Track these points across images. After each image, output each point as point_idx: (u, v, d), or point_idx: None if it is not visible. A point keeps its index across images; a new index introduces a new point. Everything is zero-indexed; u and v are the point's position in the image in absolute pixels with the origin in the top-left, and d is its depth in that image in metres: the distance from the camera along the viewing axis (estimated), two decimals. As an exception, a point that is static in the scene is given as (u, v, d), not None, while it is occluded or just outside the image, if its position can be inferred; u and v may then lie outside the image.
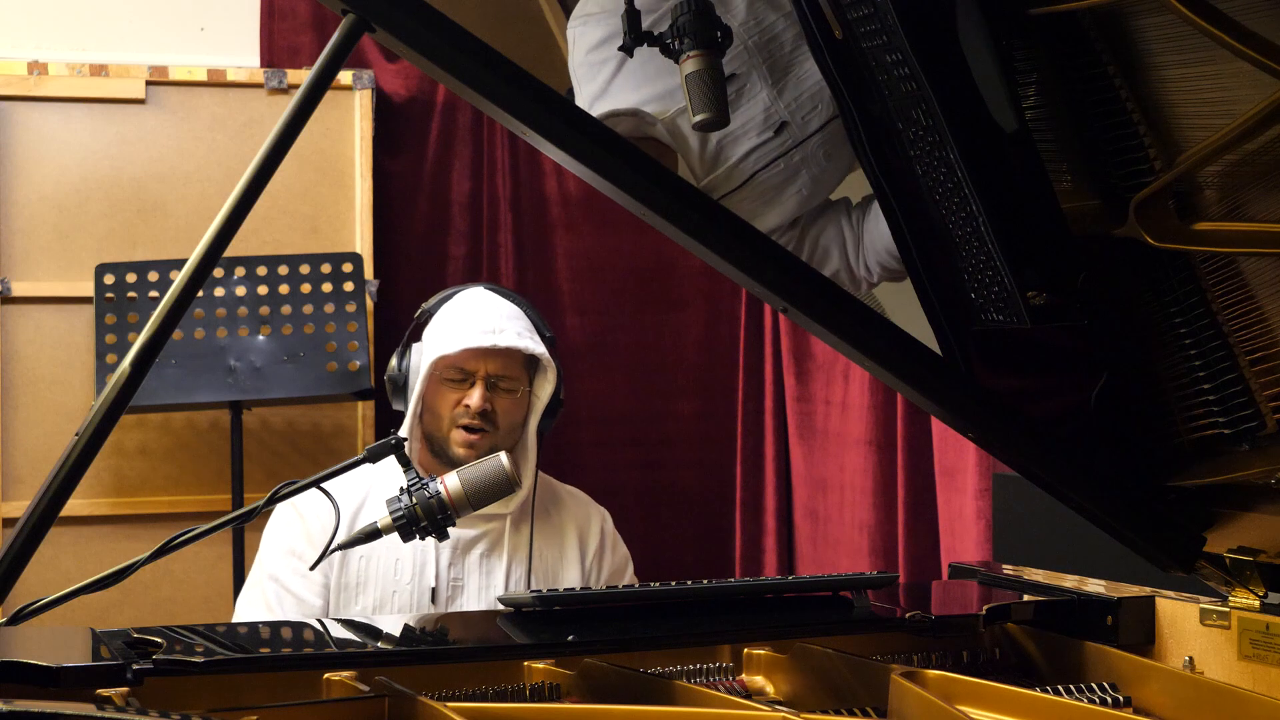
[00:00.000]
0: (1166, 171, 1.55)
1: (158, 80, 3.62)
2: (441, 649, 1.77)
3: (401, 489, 1.90)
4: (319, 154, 3.68)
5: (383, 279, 3.72)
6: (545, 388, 2.55)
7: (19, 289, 3.52)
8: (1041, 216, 1.63)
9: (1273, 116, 1.41)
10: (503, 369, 2.50)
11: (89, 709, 1.32)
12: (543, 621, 1.79)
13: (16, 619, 1.59)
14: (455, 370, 2.49)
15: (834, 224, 1.96)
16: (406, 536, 1.89)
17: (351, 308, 3.43)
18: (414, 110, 3.87)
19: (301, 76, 3.55)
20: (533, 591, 1.95)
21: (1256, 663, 1.73)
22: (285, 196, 3.64)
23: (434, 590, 2.47)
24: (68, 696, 1.37)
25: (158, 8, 3.86)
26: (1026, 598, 1.93)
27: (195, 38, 3.85)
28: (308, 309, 3.42)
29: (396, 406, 2.57)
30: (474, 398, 2.48)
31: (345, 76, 3.67)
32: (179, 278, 1.52)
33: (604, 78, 1.88)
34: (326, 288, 3.43)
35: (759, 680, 1.74)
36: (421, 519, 1.88)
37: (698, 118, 1.75)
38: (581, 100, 1.90)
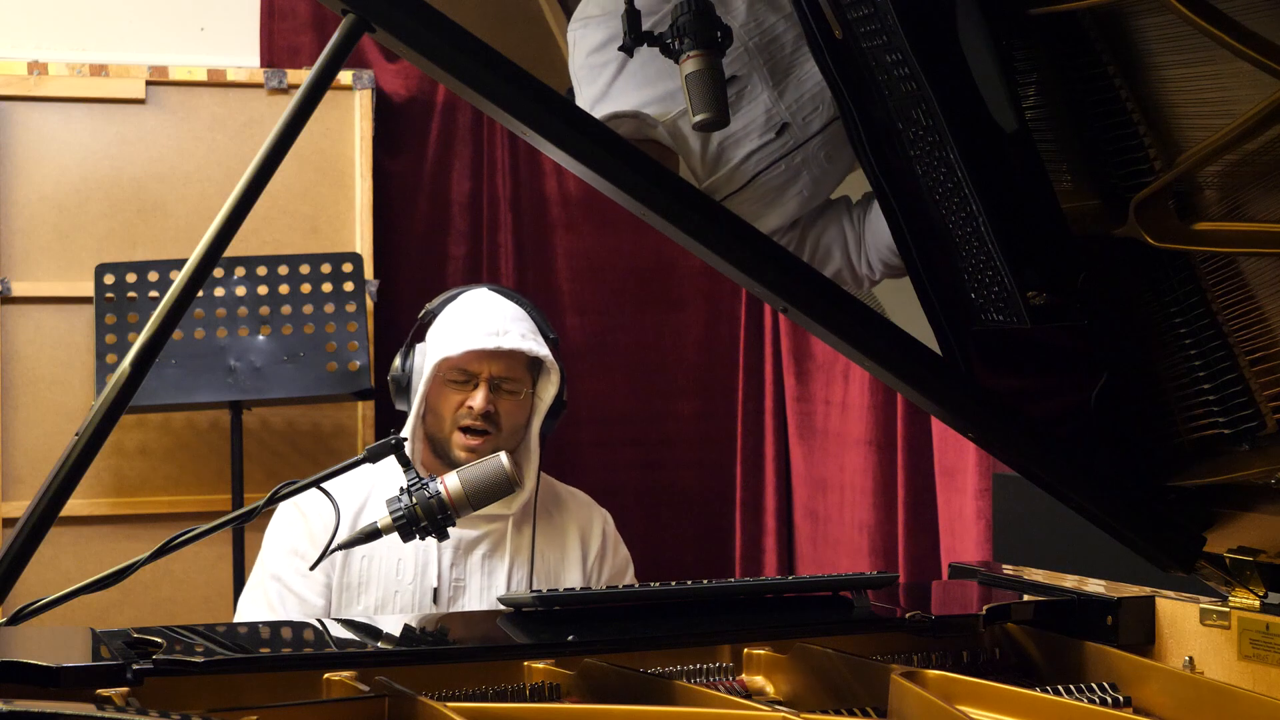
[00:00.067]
0: (1166, 171, 1.55)
1: (158, 80, 3.62)
2: (441, 649, 1.77)
3: (401, 489, 1.90)
4: (319, 154, 3.68)
5: (383, 279, 3.72)
6: (548, 389, 2.55)
7: (19, 289, 3.52)
8: (1041, 216, 1.63)
9: (1273, 116, 1.41)
10: (506, 371, 2.50)
11: (89, 709, 1.32)
12: (543, 621, 1.79)
13: (16, 619, 1.59)
14: (459, 372, 2.49)
15: (835, 223, 1.96)
16: (406, 536, 1.89)
17: (351, 308, 3.43)
18: (414, 110, 3.87)
19: (301, 76, 3.55)
20: (533, 591, 1.95)
21: (1256, 663, 1.73)
22: (285, 196, 3.64)
23: (436, 590, 2.47)
24: (68, 696, 1.37)
25: (158, 8, 3.86)
26: (1026, 598, 1.93)
27: (195, 38, 3.85)
28: (308, 309, 3.42)
29: (400, 407, 2.57)
30: (477, 399, 2.47)
31: (345, 76, 3.67)
32: (179, 278, 1.52)
33: (605, 80, 1.88)
34: (326, 288, 3.43)
35: (759, 680, 1.74)
36: (421, 519, 1.88)
37: (698, 118, 1.75)
38: (582, 102, 1.90)
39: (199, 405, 3.40)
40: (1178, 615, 1.84)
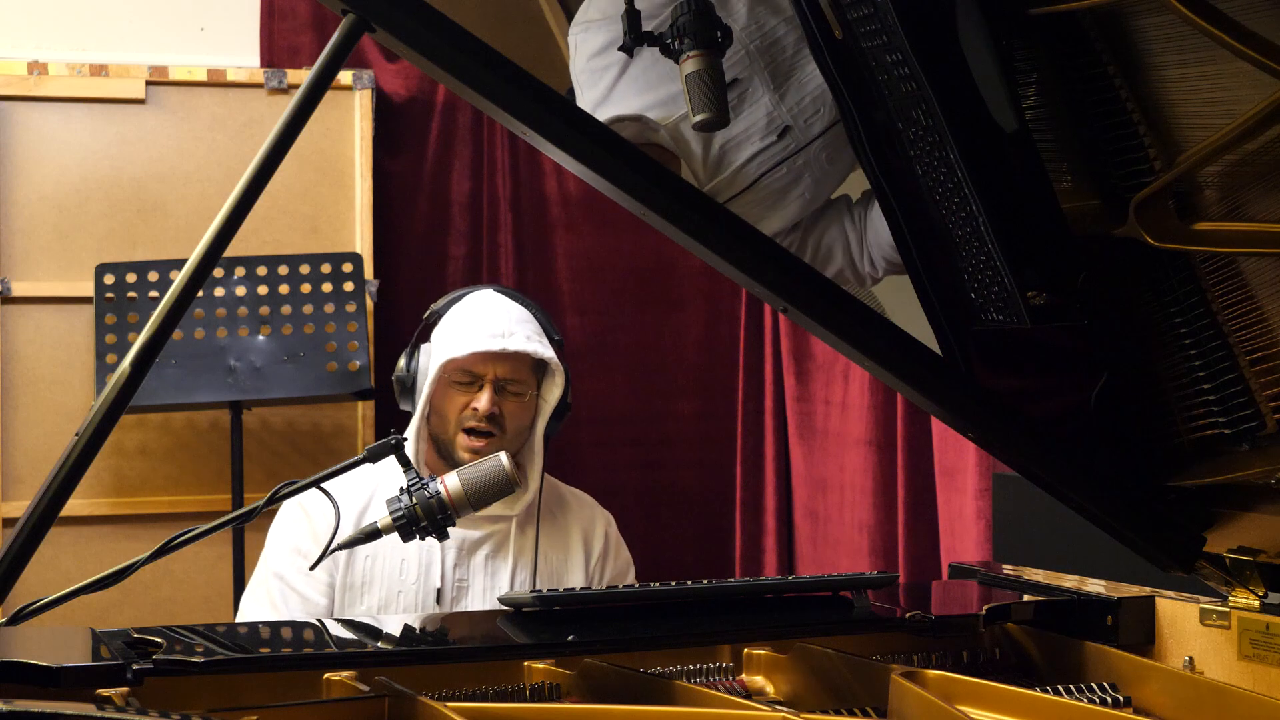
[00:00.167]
0: (1166, 171, 1.55)
1: (158, 80, 3.62)
2: (441, 649, 1.77)
3: (402, 489, 1.90)
4: (319, 154, 3.68)
5: (383, 279, 3.72)
6: (553, 391, 2.55)
7: (19, 289, 3.52)
8: (1041, 216, 1.63)
9: (1273, 116, 1.41)
10: (511, 373, 2.50)
11: (89, 709, 1.32)
12: (543, 621, 1.79)
13: (16, 619, 1.59)
14: (463, 373, 2.49)
15: (836, 223, 1.96)
16: (406, 536, 1.89)
17: (351, 308, 3.43)
18: (414, 110, 3.87)
19: (301, 76, 3.55)
20: (533, 591, 1.95)
21: (1256, 663, 1.73)
22: (285, 196, 3.64)
23: (439, 591, 2.47)
24: (68, 696, 1.37)
25: (158, 8, 3.86)
26: (1026, 598, 1.93)
27: (195, 38, 3.85)
28: (308, 309, 3.42)
29: (404, 407, 2.57)
30: (482, 401, 2.47)
31: (345, 76, 3.67)
32: (179, 278, 1.52)
33: (606, 83, 1.88)
34: (326, 288, 3.43)
35: (759, 680, 1.74)
36: (421, 519, 1.88)
37: (698, 118, 1.75)
38: (584, 106, 1.90)
39: (199, 405, 3.40)
40: (1178, 615, 1.84)
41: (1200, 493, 1.75)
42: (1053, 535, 2.41)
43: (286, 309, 3.41)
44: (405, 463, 1.87)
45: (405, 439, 1.86)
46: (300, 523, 2.49)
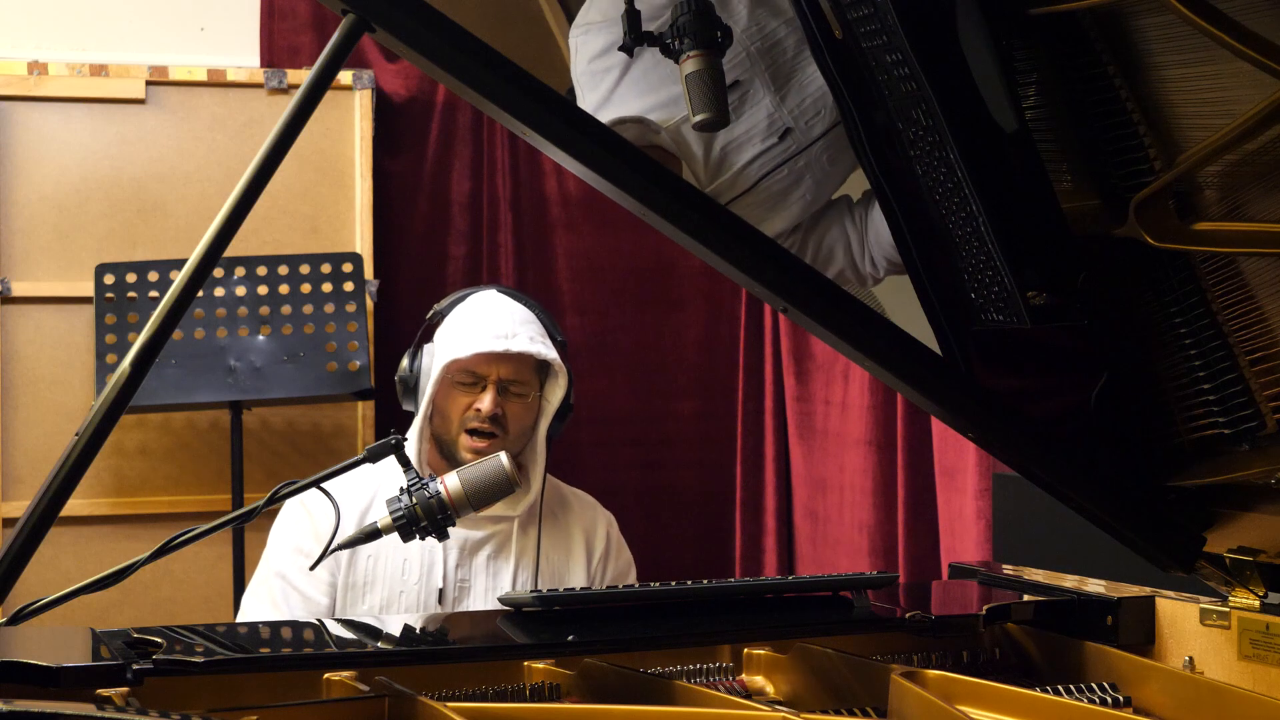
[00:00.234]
0: (1166, 171, 1.55)
1: (158, 80, 3.62)
2: (441, 649, 1.77)
3: (401, 489, 1.90)
4: (319, 154, 3.68)
5: (383, 279, 3.72)
6: (556, 392, 2.55)
7: (19, 289, 3.52)
8: (1041, 216, 1.63)
9: (1273, 116, 1.41)
10: (514, 374, 2.50)
11: (89, 709, 1.32)
12: (543, 621, 1.79)
13: (16, 619, 1.59)
14: (467, 374, 2.49)
15: (837, 224, 1.96)
16: (406, 536, 1.89)
17: (351, 308, 3.43)
18: (414, 110, 3.87)
19: (301, 76, 3.55)
20: (533, 591, 1.95)
21: (1256, 663, 1.73)
22: (285, 196, 3.64)
23: (441, 591, 2.47)
24: (68, 696, 1.37)
25: (158, 8, 3.86)
26: (1026, 598, 1.93)
27: (195, 38, 3.85)
28: (308, 309, 3.42)
29: (407, 407, 2.57)
30: (485, 402, 2.47)
31: (345, 76, 3.67)
32: (179, 278, 1.52)
33: (607, 86, 1.87)
34: (326, 288, 3.43)
35: (759, 680, 1.74)
36: (421, 519, 1.88)
37: (698, 118, 1.75)
38: (585, 108, 1.90)
39: (199, 405, 3.40)
40: (1178, 615, 1.84)
41: (1200, 493, 1.75)
42: (1053, 535, 2.41)
43: (286, 309, 3.41)
44: (405, 463, 1.87)
45: (405, 439, 1.86)
46: (302, 522, 2.49)
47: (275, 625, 2.13)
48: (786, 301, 1.69)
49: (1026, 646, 1.84)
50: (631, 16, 1.76)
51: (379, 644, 1.78)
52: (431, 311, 2.61)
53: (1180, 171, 1.53)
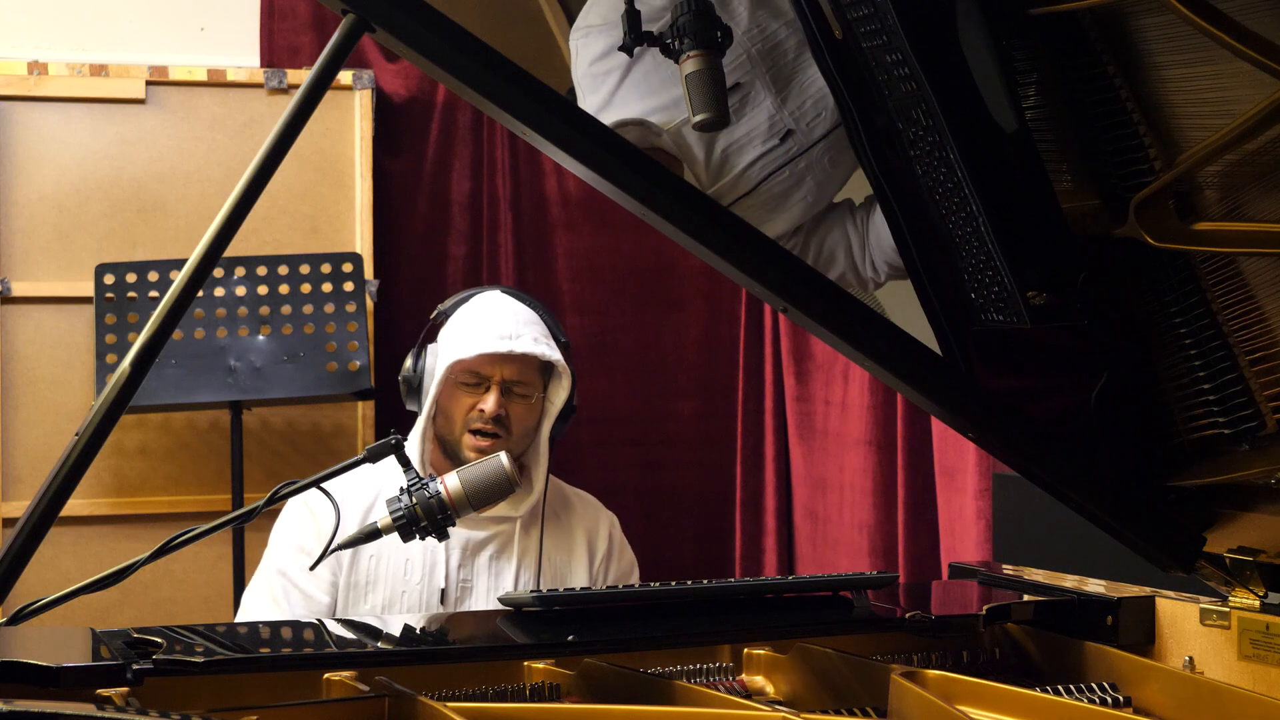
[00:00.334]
0: (1166, 171, 1.55)
1: (158, 80, 3.62)
2: (441, 649, 1.77)
3: (402, 489, 1.90)
4: (319, 154, 3.68)
5: (383, 279, 3.72)
6: (559, 393, 2.55)
7: (19, 289, 3.52)
8: (1041, 216, 1.63)
9: (1273, 116, 1.41)
10: (518, 375, 2.50)
11: (89, 709, 1.32)
12: (543, 621, 1.79)
13: (16, 619, 1.59)
14: (470, 375, 2.49)
15: (838, 227, 1.96)
16: (406, 536, 1.89)
17: (351, 308, 3.43)
18: (414, 110, 3.87)
19: (301, 76, 3.55)
20: (533, 591, 1.95)
21: (1256, 663, 1.73)
22: (285, 196, 3.64)
23: (443, 591, 2.47)
24: (68, 696, 1.37)
25: (158, 8, 3.86)
26: (1026, 598, 1.93)
27: (195, 38, 3.85)
28: (308, 309, 3.42)
29: (410, 407, 2.57)
30: (488, 403, 2.47)
31: (345, 76, 3.67)
32: (179, 278, 1.52)
33: (608, 88, 1.87)
34: (326, 288, 3.43)
35: (759, 680, 1.74)
36: (421, 519, 1.88)
37: (698, 118, 1.75)
38: (586, 110, 1.90)
39: (199, 405, 3.40)
40: (1178, 615, 1.84)
41: (1200, 493, 1.75)
42: (1053, 535, 2.41)
43: (286, 309, 3.41)
44: (405, 462, 1.87)
45: (404, 439, 1.86)
46: (305, 520, 2.49)
47: (275, 625, 2.13)
48: (787, 302, 1.69)
49: (1026, 646, 1.84)
50: (631, 16, 1.76)
51: (379, 644, 1.78)
52: (436, 312, 2.61)
53: (1180, 171, 1.53)
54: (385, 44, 1.59)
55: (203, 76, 3.64)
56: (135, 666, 1.42)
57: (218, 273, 3.35)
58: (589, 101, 1.88)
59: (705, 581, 1.89)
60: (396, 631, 1.92)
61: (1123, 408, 1.75)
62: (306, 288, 3.43)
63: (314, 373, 3.38)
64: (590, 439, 3.92)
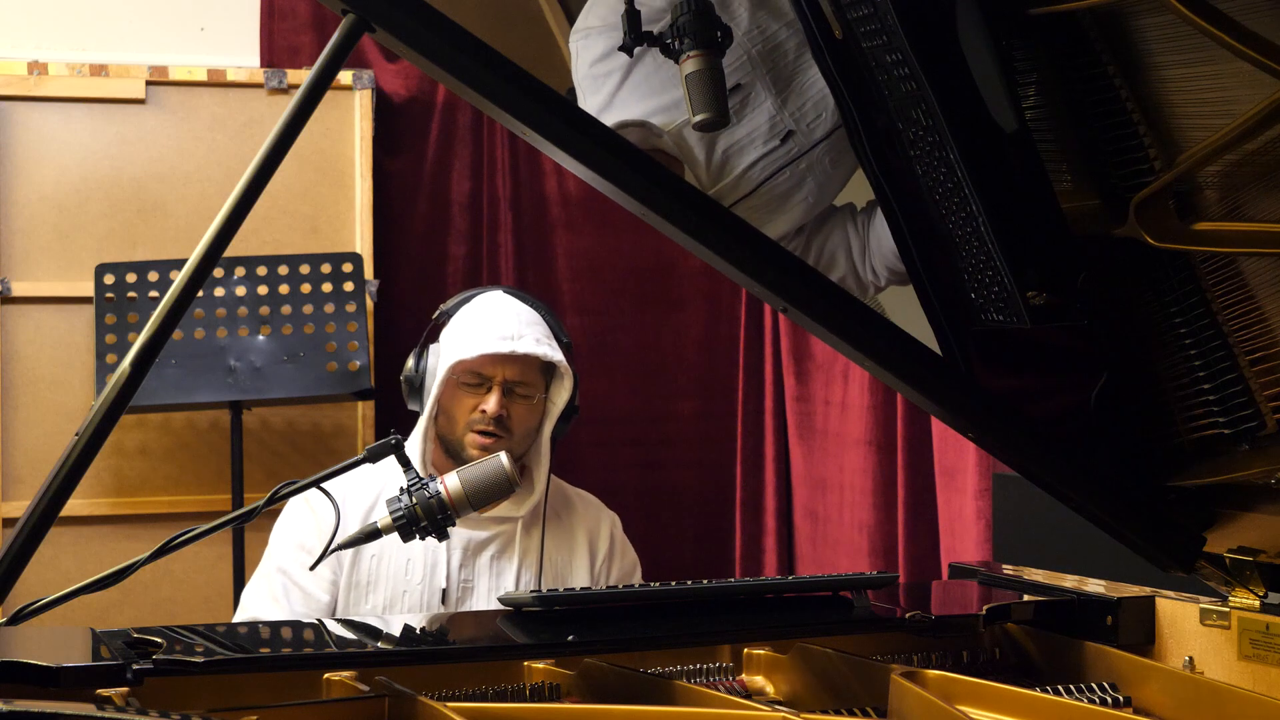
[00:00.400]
0: (1166, 171, 1.55)
1: (158, 80, 3.62)
2: (441, 649, 1.77)
3: (402, 489, 1.90)
4: (319, 154, 3.68)
5: (383, 279, 3.72)
6: (561, 394, 2.55)
7: (19, 289, 3.52)
8: (1041, 216, 1.63)
9: (1273, 116, 1.41)
10: (520, 375, 2.50)
11: (89, 709, 1.32)
12: (543, 621, 1.79)
13: (16, 619, 1.59)
14: (472, 375, 2.49)
15: (839, 229, 1.97)
16: (406, 536, 1.89)
17: (351, 308, 3.43)
18: (414, 110, 3.87)
19: (301, 76, 3.55)
20: (532, 591, 1.95)
21: (1256, 663, 1.73)
22: (285, 196, 3.64)
23: (444, 591, 2.47)
24: (68, 696, 1.37)
25: (158, 8, 3.86)
26: (1026, 598, 1.93)
27: (195, 38, 3.85)
28: (308, 309, 3.42)
29: (412, 407, 2.57)
30: (490, 403, 2.47)
31: (345, 76, 3.67)
32: (179, 278, 1.52)
33: (609, 90, 1.88)
34: (326, 288, 3.43)
35: (759, 680, 1.74)
36: (421, 519, 1.88)
37: (698, 118, 1.75)
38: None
39: (199, 405, 3.40)
40: (1178, 615, 1.84)
41: (1200, 493, 1.75)
42: (1053, 535, 2.41)
43: (286, 309, 3.41)
44: (405, 462, 1.87)
45: (404, 439, 1.86)
46: (306, 519, 2.49)
47: (275, 625, 2.13)
48: (786, 301, 1.69)
49: (1026, 646, 1.84)
50: (631, 16, 1.76)
51: (379, 644, 1.78)
52: (438, 311, 2.61)
53: (1180, 171, 1.53)
54: (385, 44, 1.59)
55: (203, 76, 3.64)
56: (135, 666, 1.42)
57: (218, 273, 3.35)
58: (589, 103, 1.89)
59: (705, 581, 1.89)
60: (396, 631, 1.92)
61: (1123, 408, 1.75)
62: (306, 288, 3.43)
63: (314, 373, 3.38)
64: (590, 439, 3.92)
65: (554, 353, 2.50)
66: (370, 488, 2.48)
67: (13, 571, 1.44)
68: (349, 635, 1.83)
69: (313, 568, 1.96)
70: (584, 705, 1.58)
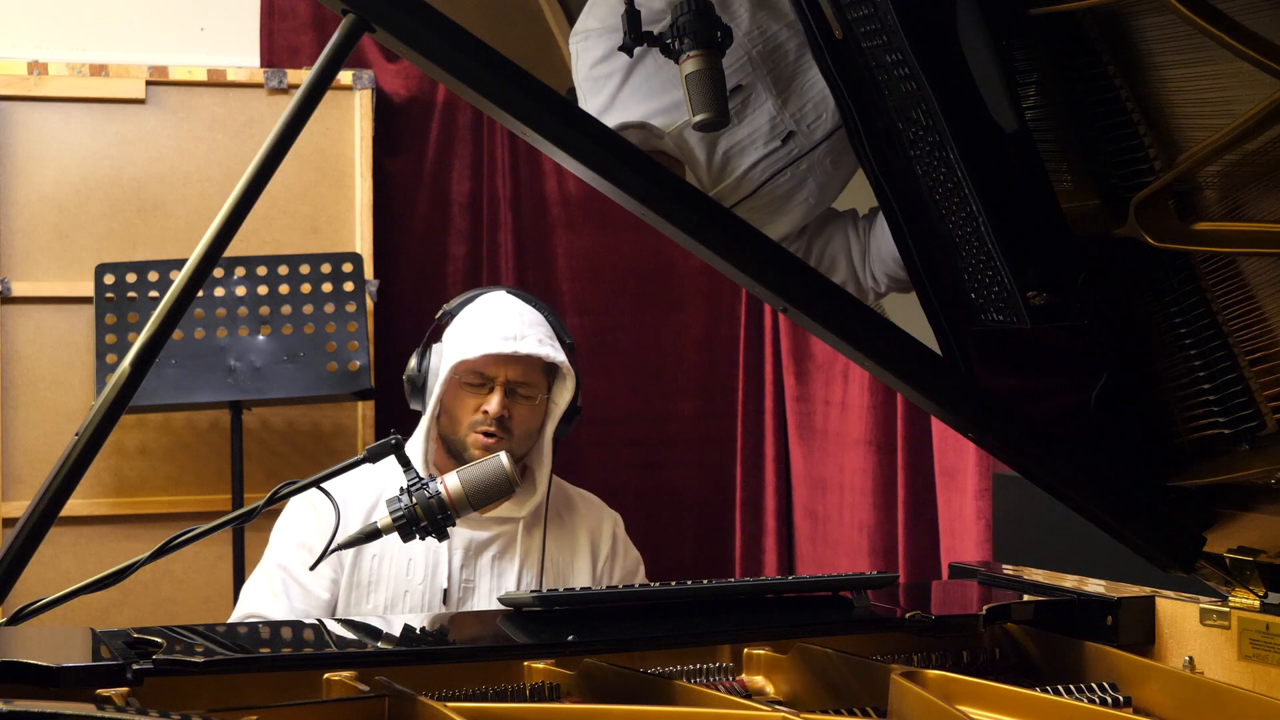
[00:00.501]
0: (1166, 171, 1.55)
1: (158, 80, 3.62)
2: (441, 649, 1.77)
3: (402, 489, 1.90)
4: (319, 154, 3.68)
5: (383, 279, 3.72)
6: (563, 395, 2.55)
7: (19, 289, 3.52)
8: (1041, 216, 1.63)
9: (1273, 116, 1.41)
10: (522, 376, 2.50)
11: (89, 709, 1.32)
12: (543, 621, 1.79)
13: (16, 619, 1.59)
14: (475, 375, 2.49)
15: (841, 234, 1.97)
16: (406, 536, 1.89)
17: (351, 308, 3.43)
18: (414, 110, 3.87)
19: (301, 76, 3.55)
20: (533, 591, 1.95)
21: (1256, 663, 1.73)
22: (285, 196, 3.64)
23: (446, 591, 2.47)
24: (68, 696, 1.37)
25: (158, 8, 3.86)
26: (1026, 598, 1.93)
27: (195, 38, 3.85)
28: (308, 309, 3.42)
29: (414, 407, 2.57)
30: (492, 404, 2.47)
31: (345, 76, 3.67)
32: (179, 278, 1.52)
33: (609, 91, 1.88)
34: (326, 288, 3.43)
35: (759, 680, 1.74)
36: (421, 519, 1.88)
37: (698, 117, 1.75)
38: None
39: (199, 405, 3.40)
40: (1178, 615, 1.85)
41: (1200, 493, 1.75)
42: (1053, 535, 2.41)
43: (286, 309, 3.41)
44: (405, 462, 1.87)
45: (404, 439, 1.86)
46: (308, 518, 2.49)
47: (275, 625, 2.13)
48: (786, 301, 1.69)
49: (1026, 646, 1.84)
50: (631, 16, 1.76)
51: (379, 644, 1.78)
52: (441, 311, 2.61)
53: (1180, 171, 1.53)
54: (385, 44, 1.59)
55: (203, 76, 3.64)
56: (135, 666, 1.42)
57: (218, 273, 3.35)
58: (590, 105, 1.89)
59: (705, 581, 1.89)
60: (396, 631, 1.92)
61: (1123, 408, 1.75)
62: (306, 288, 3.43)
63: (314, 373, 3.38)
64: (590, 439, 3.92)
65: (556, 353, 2.50)
66: (372, 487, 2.48)
67: (13, 571, 1.44)
68: (349, 635, 1.83)
69: (313, 567, 1.96)
70: (584, 705, 1.58)
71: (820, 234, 1.98)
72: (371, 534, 1.86)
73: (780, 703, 1.69)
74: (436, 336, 2.58)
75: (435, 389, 2.49)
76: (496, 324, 2.49)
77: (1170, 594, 1.86)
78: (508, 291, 2.61)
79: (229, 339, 3.37)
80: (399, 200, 3.86)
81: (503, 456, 1.96)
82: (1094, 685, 1.69)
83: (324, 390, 3.40)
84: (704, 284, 4.05)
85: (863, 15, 1.56)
